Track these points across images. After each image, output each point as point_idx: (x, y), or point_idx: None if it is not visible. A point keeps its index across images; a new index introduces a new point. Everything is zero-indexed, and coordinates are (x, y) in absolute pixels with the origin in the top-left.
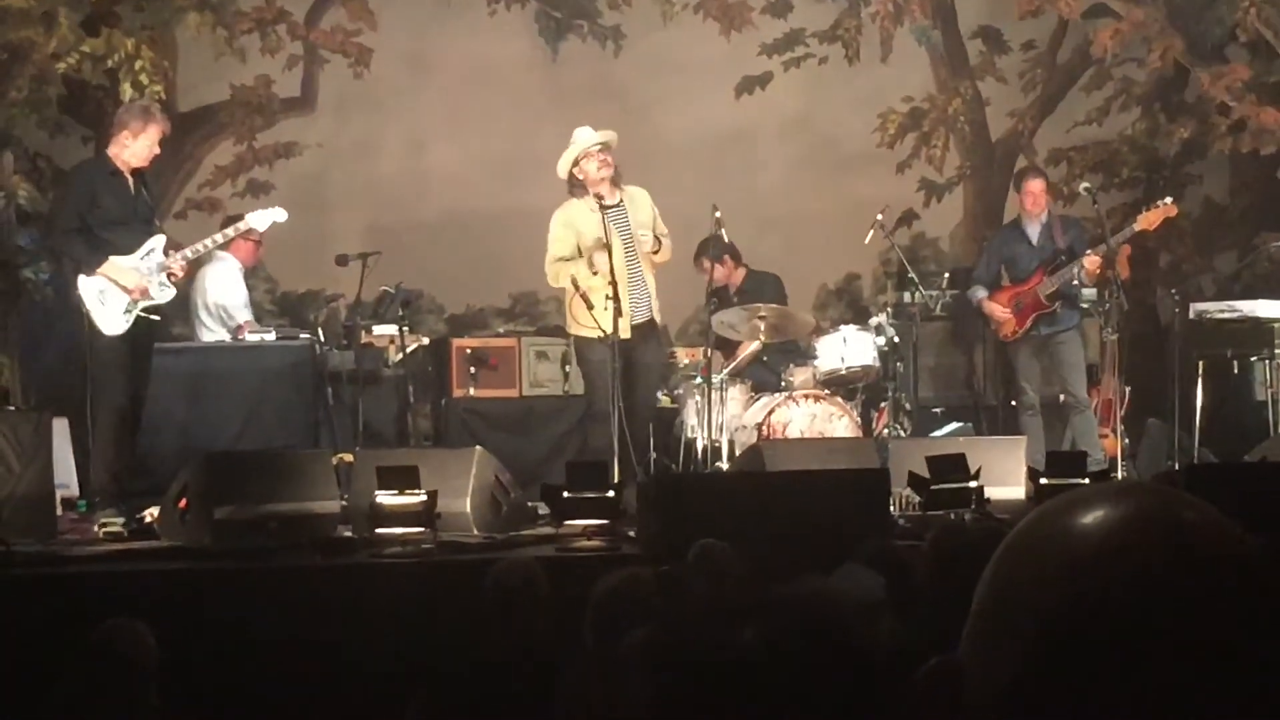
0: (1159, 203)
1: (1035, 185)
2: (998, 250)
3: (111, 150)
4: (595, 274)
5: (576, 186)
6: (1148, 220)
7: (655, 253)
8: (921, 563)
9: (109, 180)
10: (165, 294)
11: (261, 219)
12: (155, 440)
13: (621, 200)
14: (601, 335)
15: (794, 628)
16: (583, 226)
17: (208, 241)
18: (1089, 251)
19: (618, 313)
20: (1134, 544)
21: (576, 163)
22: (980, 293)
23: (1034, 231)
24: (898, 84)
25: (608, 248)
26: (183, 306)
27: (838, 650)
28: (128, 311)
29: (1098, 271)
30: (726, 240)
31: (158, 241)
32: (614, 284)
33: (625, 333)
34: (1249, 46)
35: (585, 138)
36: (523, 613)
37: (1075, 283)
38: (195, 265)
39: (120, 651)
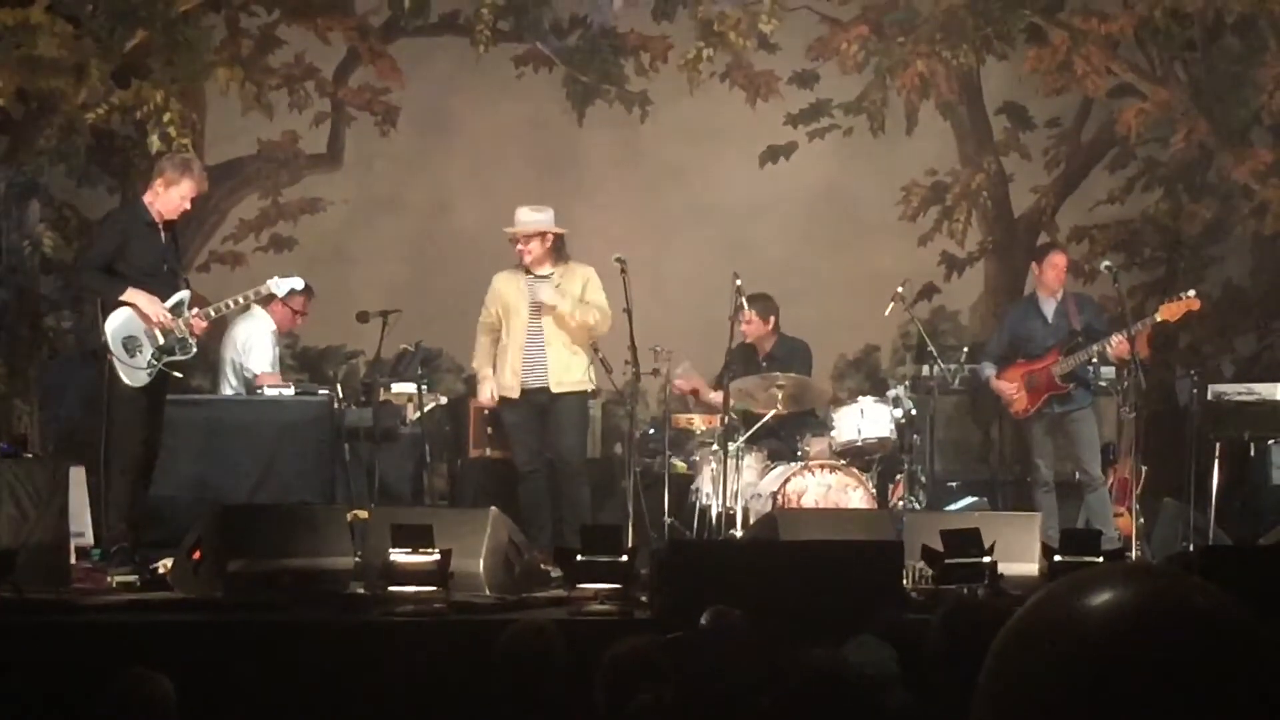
0: (1182, 295)
1: (1060, 260)
2: (1011, 326)
3: (147, 198)
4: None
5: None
6: (1169, 311)
7: (568, 315)
8: (932, 637)
9: (143, 230)
10: (187, 350)
11: (281, 285)
12: (170, 491)
13: (553, 274)
14: (511, 397)
15: (806, 697)
16: (502, 288)
17: (229, 302)
18: (1115, 335)
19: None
20: (1144, 630)
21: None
22: (989, 369)
23: (1049, 309)
24: (922, 157)
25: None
26: (204, 358)
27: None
28: (151, 365)
29: (1125, 356)
30: (745, 305)
31: (184, 296)
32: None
33: (514, 392)
34: (1273, 130)
35: (517, 221)
36: (536, 675)
37: (1093, 362)
38: (222, 322)
39: (141, 701)
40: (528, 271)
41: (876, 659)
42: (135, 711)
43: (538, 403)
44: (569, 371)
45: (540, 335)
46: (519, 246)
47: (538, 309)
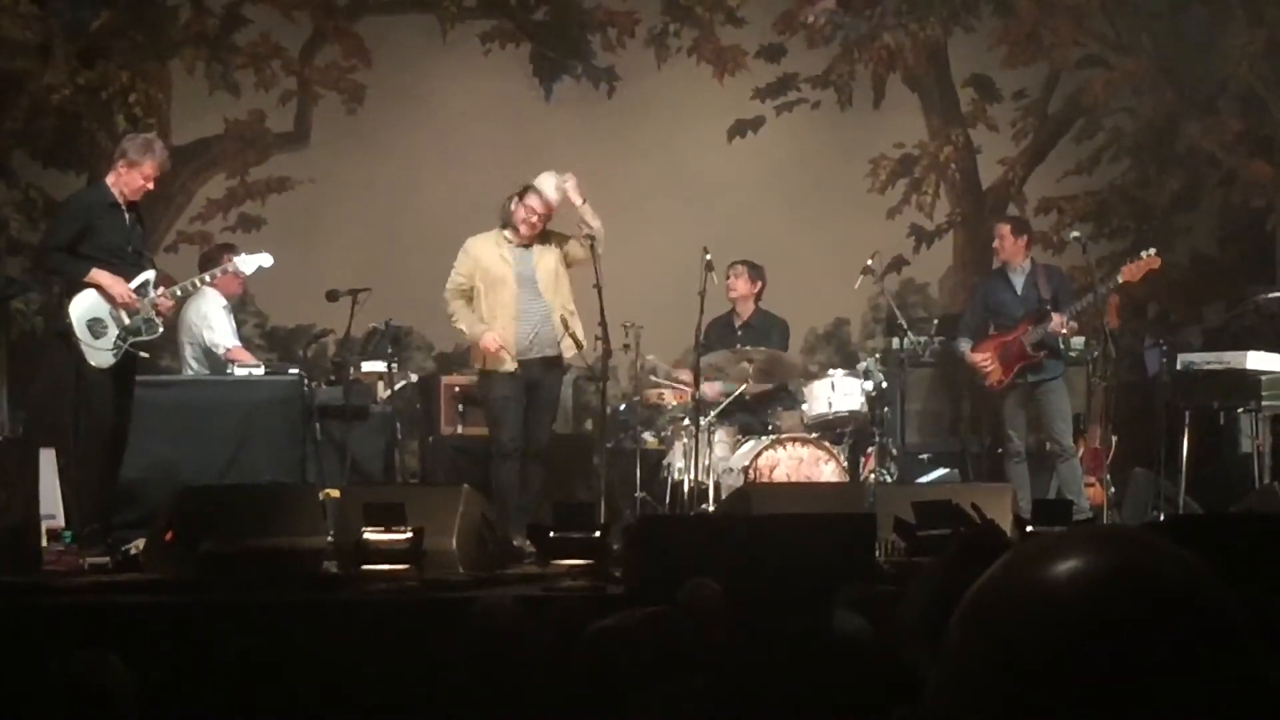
0: (1143, 254)
1: (1001, 229)
2: (982, 298)
3: (110, 179)
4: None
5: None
6: (1130, 272)
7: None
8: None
9: (106, 211)
10: (153, 330)
11: (249, 263)
12: (141, 473)
13: (533, 243)
14: (507, 370)
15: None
16: (482, 256)
17: (195, 281)
18: (1054, 314)
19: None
20: (1112, 596)
21: (522, 197)
22: (964, 344)
23: (1018, 280)
24: (890, 130)
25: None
26: (170, 339)
27: (830, 691)
28: (117, 346)
29: (1063, 331)
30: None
31: (149, 276)
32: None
33: (510, 365)
34: (1240, 99)
35: (553, 189)
36: (504, 652)
37: (1062, 330)
38: (180, 301)
39: (93, 685)
40: (514, 241)
41: (851, 631)
42: (87, 696)
43: (529, 378)
44: (564, 341)
45: (539, 304)
46: (530, 218)
47: (529, 279)
